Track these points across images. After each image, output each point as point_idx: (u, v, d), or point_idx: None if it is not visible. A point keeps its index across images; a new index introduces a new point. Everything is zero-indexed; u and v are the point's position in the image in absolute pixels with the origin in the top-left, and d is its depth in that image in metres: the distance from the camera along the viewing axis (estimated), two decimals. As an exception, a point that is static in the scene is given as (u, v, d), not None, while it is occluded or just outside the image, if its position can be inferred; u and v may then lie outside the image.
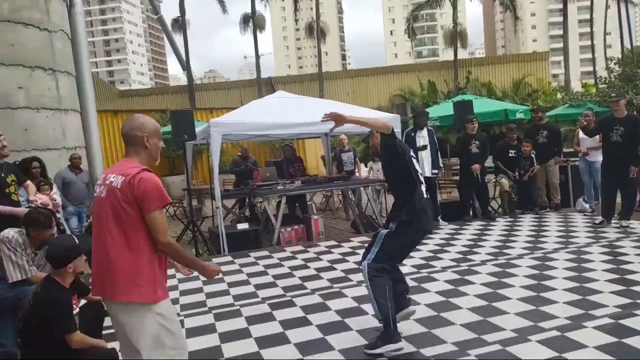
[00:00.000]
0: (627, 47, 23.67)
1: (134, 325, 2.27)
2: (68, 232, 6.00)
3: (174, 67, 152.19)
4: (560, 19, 28.76)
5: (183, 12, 28.02)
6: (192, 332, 3.86)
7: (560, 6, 28.65)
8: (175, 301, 4.62)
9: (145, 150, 2.43)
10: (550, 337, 3.35)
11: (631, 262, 4.96)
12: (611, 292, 4.13)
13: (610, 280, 4.45)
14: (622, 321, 3.52)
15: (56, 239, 3.42)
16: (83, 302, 3.44)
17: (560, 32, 30.95)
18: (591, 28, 30.05)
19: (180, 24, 29.40)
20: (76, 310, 3.36)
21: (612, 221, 6.82)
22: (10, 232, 3.50)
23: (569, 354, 3.09)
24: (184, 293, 4.94)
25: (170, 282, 5.28)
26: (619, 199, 6.90)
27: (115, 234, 2.27)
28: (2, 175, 4.19)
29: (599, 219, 6.93)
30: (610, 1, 28.63)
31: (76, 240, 3.25)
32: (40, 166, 5.95)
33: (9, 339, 3.46)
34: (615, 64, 14.13)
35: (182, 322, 4.11)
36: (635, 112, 10.17)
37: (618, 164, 6.56)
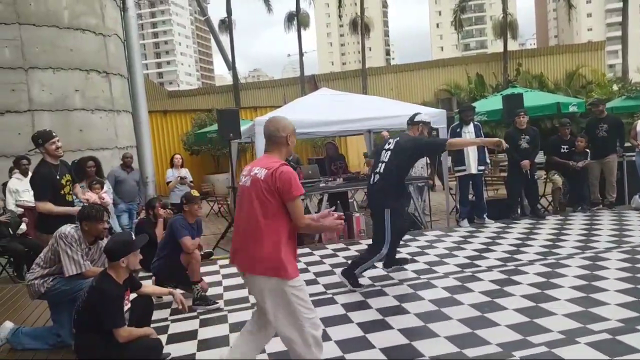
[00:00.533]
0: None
1: (275, 296, 2.63)
2: (117, 230, 6.28)
3: (219, 67, 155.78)
4: (620, 4, 27.16)
5: (230, 12, 28.58)
6: (237, 327, 3.94)
7: (619, -8, 27.11)
8: (218, 296, 4.76)
9: (286, 148, 2.81)
10: (600, 340, 3.23)
11: (693, 264, 4.67)
12: (669, 295, 3.91)
13: (668, 282, 4.21)
14: (680, 326, 3.33)
15: (115, 234, 3.61)
16: (134, 296, 3.60)
17: (619, 19, 29.25)
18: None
19: (227, 24, 29.99)
20: (128, 306, 3.52)
21: (672, 220, 6.44)
22: (67, 228, 3.71)
23: (621, 358, 2.96)
24: (227, 289, 5.06)
25: (214, 278, 5.45)
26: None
27: (260, 217, 2.62)
28: (58, 176, 4.28)
29: (657, 217, 6.56)
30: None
31: (133, 236, 3.42)
32: (96, 165, 6.25)
33: (65, 330, 3.68)
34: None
35: (225, 316, 4.24)
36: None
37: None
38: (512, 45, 32.52)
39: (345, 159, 10.16)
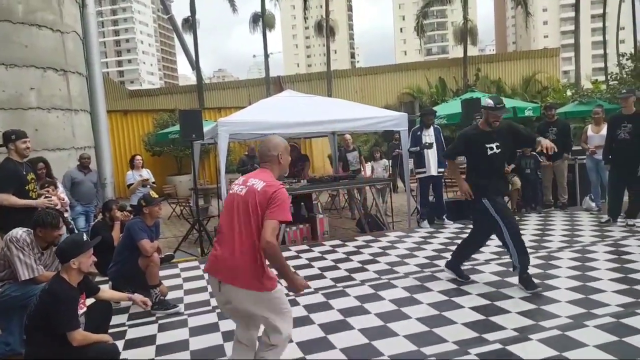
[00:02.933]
0: (640, 41, 23.31)
1: (256, 308, 2.67)
2: (77, 232, 6.09)
3: (183, 67, 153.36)
4: (573, 14, 28.36)
5: (194, 11, 28.15)
6: (196, 331, 3.92)
7: (573, 1, 28.24)
8: (179, 300, 4.69)
9: (278, 166, 2.86)
10: (551, 336, 3.36)
11: (636, 261, 4.94)
12: (614, 291, 4.12)
13: (613, 280, 4.44)
14: (623, 320, 3.52)
15: (68, 236, 3.51)
16: (92, 301, 3.51)
17: (572, 27, 30.53)
18: (604, 23, 29.57)
19: (190, 23, 29.53)
20: (84, 310, 3.43)
21: (619, 220, 6.77)
22: (19, 232, 3.58)
23: (570, 353, 3.10)
24: (188, 292, 4.99)
25: (175, 281, 5.37)
26: (626, 198, 6.84)
27: (246, 229, 2.64)
28: (24, 173, 4.48)
29: (605, 217, 6.89)
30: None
31: (85, 237, 3.33)
32: (46, 166, 6.05)
33: (15, 338, 3.55)
34: (627, 59, 13.93)
35: (185, 321, 4.18)
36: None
37: (625, 162, 6.50)
38: (472, 51, 33.39)
39: (309, 160, 10.22)
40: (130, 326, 4.13)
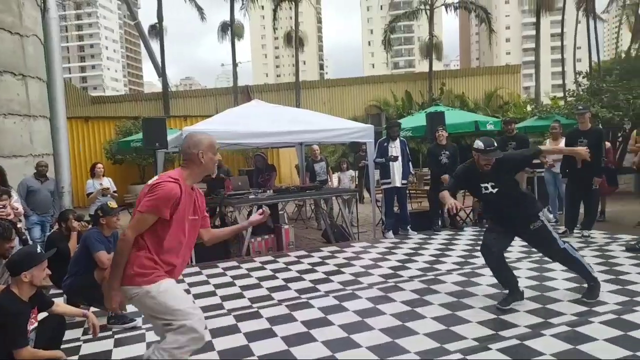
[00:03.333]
0: (594, 61, 24.42)
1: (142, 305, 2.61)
2: (30, 242, 5.85)
3: (149, 74, 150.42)
4: (534, 32, 29.53)
5: (161, 18, 27.77)
6: (155, 344, 3.80)
7: (534, 20, 29.41)
8: (137, 314, 4.53)
9: (198, 166, 2.67)
10: (510, 346, 3.42)
11: (591, 272, 5.10)
12: (570, 301, 4.25)
13: (569, 289, 4.57)
14: (578, 329, 3.62)
15: (21, 248, 3.36)
16: (44, 315, 3.35)
17: (533, 45, 31.76)
18: (562, 42, 30.92)
19: (157, 30, 29.12)
20: (34, 325, 3.28)
21: (575, 231, 7.02)
22: (-34, 243, 3.41)
23: (527, 361, 3.17)
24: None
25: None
26: (581, 210, 7.09)
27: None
28: None
29: (562, 228, 7.12)
30: (581, 16, 29.50)
31: (39, 249, 3.19)
32: (0, 174, 5.80)
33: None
34: (583, 77, 14.56)
35: (143, 335, 4.05)
36: (600, 126, 10.53)
37: (581, 175, 6.75)
38: (438, 66, 34.27)
39: (276, 170, 10.17)
40: (85, 341, 3.97)
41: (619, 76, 13.42)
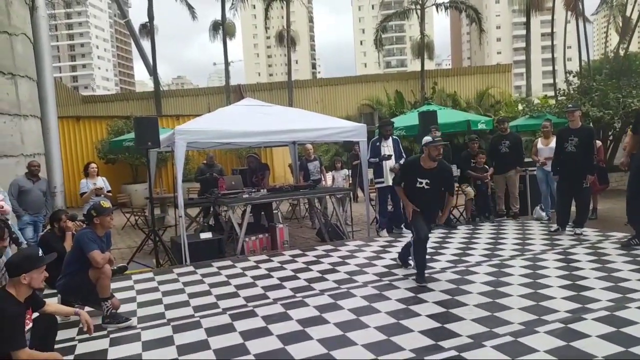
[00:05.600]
0: (584, 60, 24.61)
1: None
2: (22, 241, 5.80)
3: (140, 73, 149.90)
4: (524, 32, 29.74)
5: (151, 17, 27.59)
6: (149, 345, 3.79)
7: (524, 19, 29.62)
8: (132, 313, 4.52)
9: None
10: (504, 343, 3.45)
11: (583, 269, 5.16)
12: (563, 298, 4.28)
13: (562, 287, 4.61)
14: (571, 325, 3.66)
15: (22, 248, 3.34)
16: (35, 315, 3.33)
17: (524, 44, 31.95)
18: (552, 41, 31.17)
19: (148, 29, 28.92)
20: (29, 326, 3.26)
21: (567, 229, 7.08)
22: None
23: (522, 359, 3.18)
24: (142, 305, 4.83)
25: (128, 294, 5.19)
26: (573, 208, 7.16)
27: None
28: None
29: (554, 226, 7.18)
30: (570, 16, 29.72)
31: (40, 252, 3.17)
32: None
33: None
34: (573, 76, 14.67)
35: (139, 334, 4.03)
36: (590, 124, 10.62)
37: (573, 173, 6.82)
38: (429, 65, 34.34)
39: (269, 168, 10.15)
40: (80, 341, 3.94)
41: (608, 75, 13.54)
